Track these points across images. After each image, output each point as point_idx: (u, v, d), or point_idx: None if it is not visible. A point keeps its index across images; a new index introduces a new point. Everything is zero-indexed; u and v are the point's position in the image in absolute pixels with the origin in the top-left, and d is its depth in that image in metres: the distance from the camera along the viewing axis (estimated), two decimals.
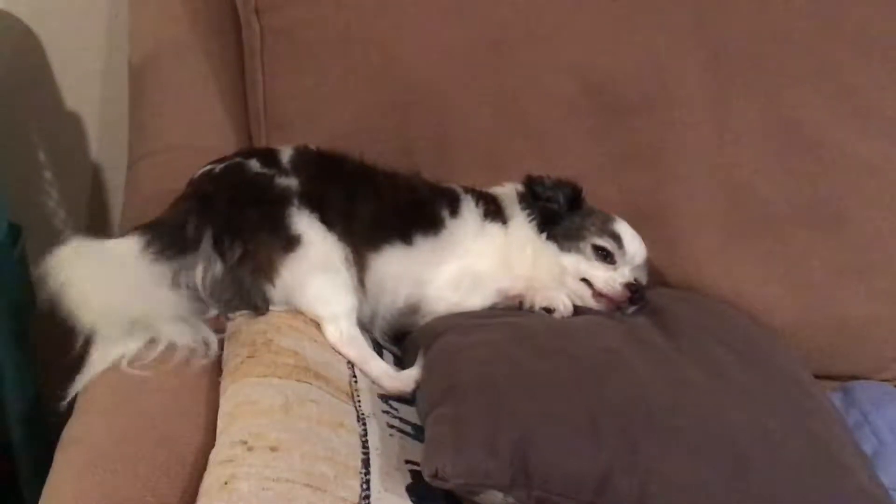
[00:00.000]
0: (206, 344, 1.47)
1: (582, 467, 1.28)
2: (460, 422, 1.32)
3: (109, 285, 1.43)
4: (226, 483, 1.16)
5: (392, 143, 1.89)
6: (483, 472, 1.26)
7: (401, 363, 1.63)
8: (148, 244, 1.49)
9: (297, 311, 1.55)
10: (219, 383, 1.39)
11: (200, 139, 1.81)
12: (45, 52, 2.21)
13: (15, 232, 1.94)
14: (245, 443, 1.22)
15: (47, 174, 2.31)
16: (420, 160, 1.85)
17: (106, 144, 2.32)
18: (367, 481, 1.26)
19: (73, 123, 2.30)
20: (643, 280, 1.79)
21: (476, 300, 1.71)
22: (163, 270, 1.48)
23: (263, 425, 1.26)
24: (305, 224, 1.57)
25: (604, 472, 1.27)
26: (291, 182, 1.61)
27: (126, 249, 1.49)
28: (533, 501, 1.27)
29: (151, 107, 1.95)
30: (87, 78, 2.27)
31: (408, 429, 1.44)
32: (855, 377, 1.95)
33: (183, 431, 1.32)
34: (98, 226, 2.38)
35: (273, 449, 1.22)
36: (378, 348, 1.63)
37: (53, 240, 1.44)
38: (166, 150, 1.88)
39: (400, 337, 1.70)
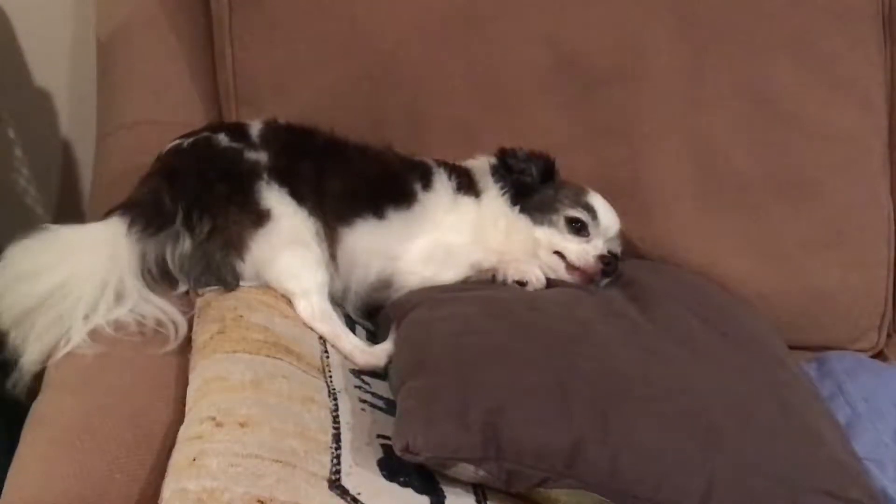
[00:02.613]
0: (175, 322, 1.46)
1: (552, 439, 1.27)
2: (431, 395, 1.32)
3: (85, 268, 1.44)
4: (194, 459, 1.15)
5: (364, 117, 1.88)
6: (454, 445, 1.25)
7: (374, 338, 1.62)
8: (131, 224, 1.49)
9: (268, 287, 1.54)
10: (188, 360, 1.38)
11: (169, 114, 1.79)
12: (12, 25, 2.20)
13: None
14: (214, 419, 1.21)
15: (17, 151, 2.29)
16: (392, 134, 1.83)
17: (76, 120, 2.30)
18: (338, 456, 1.25)
19: (42, 99, 2.28)
20: (616, 252, 1.78)
21: (449, 274, 1.70)
22: (145, 249, 1.48)
23: (233, 401, 1.25)
24: (275, 198, 1.56)
25: (574, 443, 1.26)
26: (261, 156, 1.60)
27: (113, 233, 1.49)
28: (504, 474, 1.27)
29: (119, 81, 1.94)
30: (55, 52, 2.26)
31: (380, 403, 1.43)
32: (829, 347, 1.96)
33: (152, 408, 1.31)
34: (69, 202, 2.36)
35: (242, 425, 1.21)
36: (351, 324, 1.62)
37: (24, 217, 1.42)
38: (134, 125, 1.86)
39: (373, 312, 1.70)
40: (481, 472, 1.27)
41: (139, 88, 1.93)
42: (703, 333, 1.58)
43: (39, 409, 1.30)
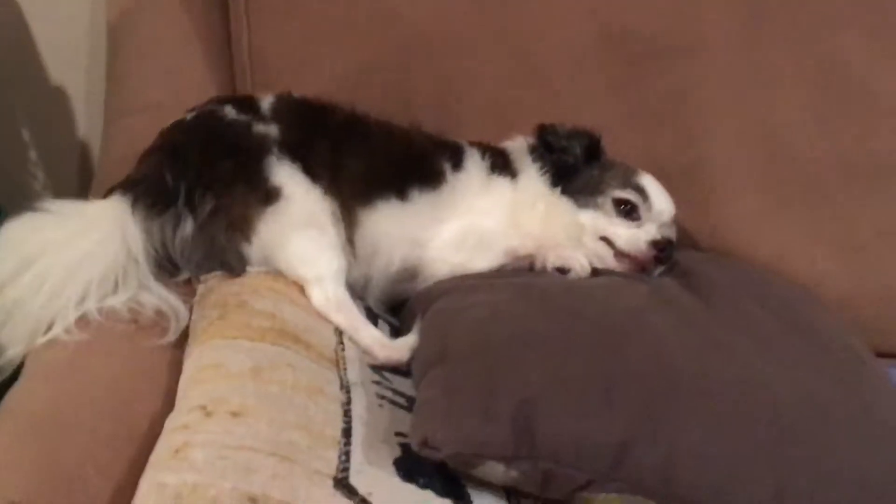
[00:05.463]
0: (176, 312, 1.37)
1: (596, 434, 1.16)
2: (455, 383, 1.22)
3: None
4: (177, 451, 1.06)
5: (389, 98, 1.79)
6: (480, 439, 1.15)
7: (398, 335, 1.49)
8: (135, 202, 1.40)
9: (278, 274, 1.44)
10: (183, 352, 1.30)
11: (181, 97, 1.66)
12: (28, 22, 2.12)
13: None
14: (204, 408, 1.12)
15: (32, 154, 2.21)
16: (420, 116, 1.73)
17: (93, 122, 2.20)
18: (347, 453, 1.15)
19: (59, 100, 2.20)
20: (671, 238, 1.64)
21: (481, 262, 1.58)
22: (150, 229, 1.40)
23: (227, 389, 1.16)
24: (286, 175, 1.47)
25: (622, 440, 1.16)
26: (271, 129, 1.51)
27: (115, 211, 1.40)
28: (539, 475, 1.16)
29: (129, 63, 1.87)
30: (72, 51, 2.17)
31: (401, 400, 1.33)
32: None
33: (137, 400, 1.23)
34: None
35: (235, 414, 1.11)
36: (373, 318, 1.51)
37: None
38: (144, 108, 1.77)
39: (397, 307, 1.60)
40: (513, 473, 1.17)
41: (150, 71, 1.84)
42: (770, 327, 1.44)
43: (8, 399, 1.22)
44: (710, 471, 1.16)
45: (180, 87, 1.80)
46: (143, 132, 1.55)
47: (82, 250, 1.35)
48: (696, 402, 1.21)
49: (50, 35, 2.15)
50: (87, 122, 2.24)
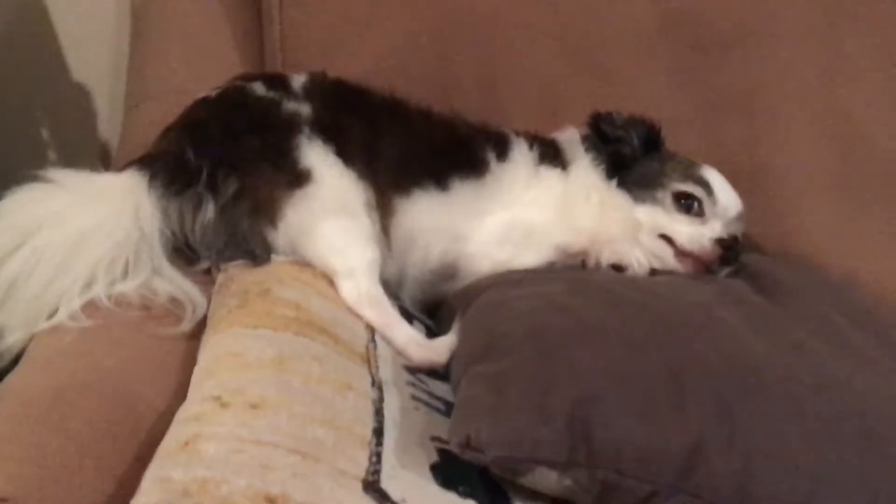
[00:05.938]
0: (193, 301, 1.28)
1: (662, 439, 1.05)
2: (502, 379, 1.10)
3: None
4: (186, 443, 0.96)
5: (430, 83, 1.72)
6: (530, 441, 1.04)
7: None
8: (152, 179, 1.32)
9: (305, 263, 1.35)
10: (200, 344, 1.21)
11: (207, 82, 1.54)
12: (51, 19, 2.07)
13: None
14: (219, 398, 1.02)
15: (51, 154, 2.15)
16: (463, 102, 1.65)
17: (115, 121, 2.09)
18: (379, 454, 1.05)
19: (80, 96, 2.14)
20: (738, 236, 1.52)
21: (528, 257, 1.47)
22: (168, 208, 1.32)
23: (245, 379, 1.06)
24: (317, 156, 1.37)
25: (692, 446, 1.05)
26: (303, 108, 1.43)
27: (129, 185, 1.32)
28: (597, 486, 1.05)
29: (153, 46, 1.80)
30: (94, 48, 2.12)
31: (438, 404, 1.22)
32: None
33: (144, 391, 1.13)
34: None
35: (254, 406, 1.01)
36: (408, 319, 1.40)
37: None
38: (167, 93, 1.69)
39: (434, 309, 1.49)
40: (566, 482, 1.06)
41: (174, 54, 1.77)
42: (850, 331, 1.32)
43: (6, 385, 1.14)
44: (794, 480, 1.05)
45: (206, 71, 1.71)
46: (166, 119, 1.46)
47: (87, 225, 1.26)
48: (777, 404, 1.11)
49: (72, 31, 2.11)
50: (109, 121, 2.18)
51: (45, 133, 2.14)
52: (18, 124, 2.11)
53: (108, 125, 2.17)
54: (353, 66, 1.66)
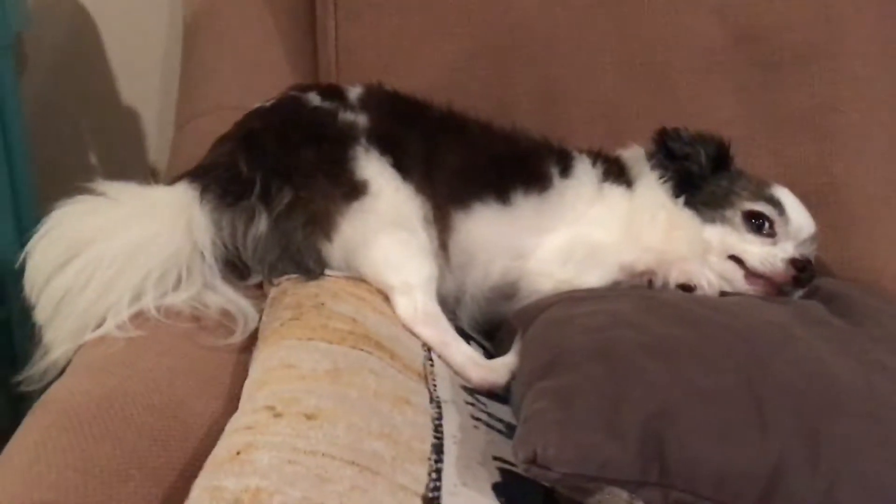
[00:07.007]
0: (245, 314, 1.26)
1: (742, 459, 1.00)
2: (571, 393, 1.05)
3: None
4: (238, 453, 0.93)
5: (488, 98, 1.68)
6: (600, 459, 0.98)
7: None
8: (204, 191, 1.30)
9: (360, 279, 1.32)
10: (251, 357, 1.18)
11: (260, 99, 1.52)
12: (103, 43, 2.08)
13: None
14: (272, 408, 0.99)
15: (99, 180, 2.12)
16: (522, 118, 1.60)
17: (164, 145, 2.09)
18: (439, 470, 1.02)
19: (129, 122, 2.14)
20: (811, 258, 1.46)
21: (591, 277, 1.42)
22: (220, 221, 1.29)
23: (299, 390, 1.03)
24: (374, 168, 1.35)
25: (773, 467, 1.00)
26: (359, 118, 1.41)
27: (181, 198, 1.30)
28: None
29: (204, 62, 1.81)
30: (145, 68, 2.12)
31: (498, 426, 1.18)
32: None
33: (192, 402, 1.11)
34: None
35: (309, 417, 0.99)
36: (465, 340, 1.35)
37: None
38: (217, 110, 1.69)
39: (493, 331, 1.44)
40: (638, 503, 1.01)
41: (227, 71, 1.78)
42: None
43: (48, 392, 1.12)
44: None
45: (259, 87, 1.65)
46: (217, 134, 1.44)
47: (139, 237, 1.24)
48: (863, 425, 1.05)
49: (122, 54, 2.11)
50: (157, 146, 2.18)
51: (93, 158, 2.14)
52: (67, 148, 2.10)
53: (157, 150, 2.18)
54: (408, 83, 1.60)
